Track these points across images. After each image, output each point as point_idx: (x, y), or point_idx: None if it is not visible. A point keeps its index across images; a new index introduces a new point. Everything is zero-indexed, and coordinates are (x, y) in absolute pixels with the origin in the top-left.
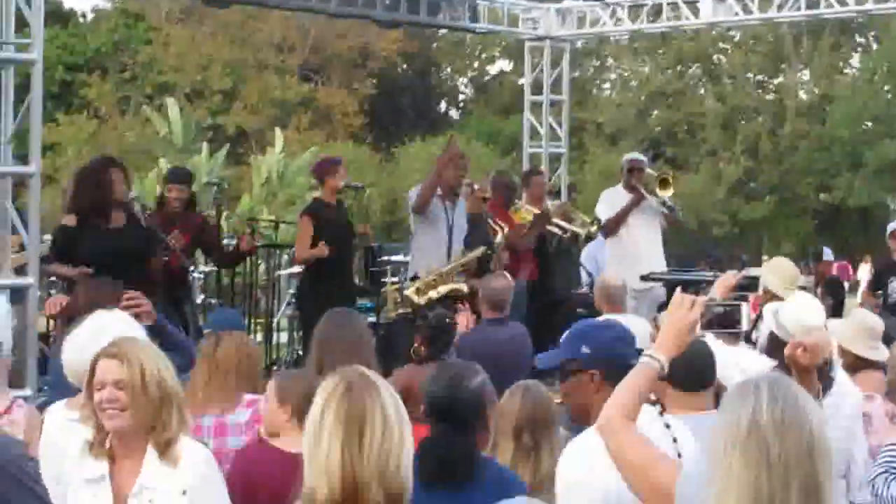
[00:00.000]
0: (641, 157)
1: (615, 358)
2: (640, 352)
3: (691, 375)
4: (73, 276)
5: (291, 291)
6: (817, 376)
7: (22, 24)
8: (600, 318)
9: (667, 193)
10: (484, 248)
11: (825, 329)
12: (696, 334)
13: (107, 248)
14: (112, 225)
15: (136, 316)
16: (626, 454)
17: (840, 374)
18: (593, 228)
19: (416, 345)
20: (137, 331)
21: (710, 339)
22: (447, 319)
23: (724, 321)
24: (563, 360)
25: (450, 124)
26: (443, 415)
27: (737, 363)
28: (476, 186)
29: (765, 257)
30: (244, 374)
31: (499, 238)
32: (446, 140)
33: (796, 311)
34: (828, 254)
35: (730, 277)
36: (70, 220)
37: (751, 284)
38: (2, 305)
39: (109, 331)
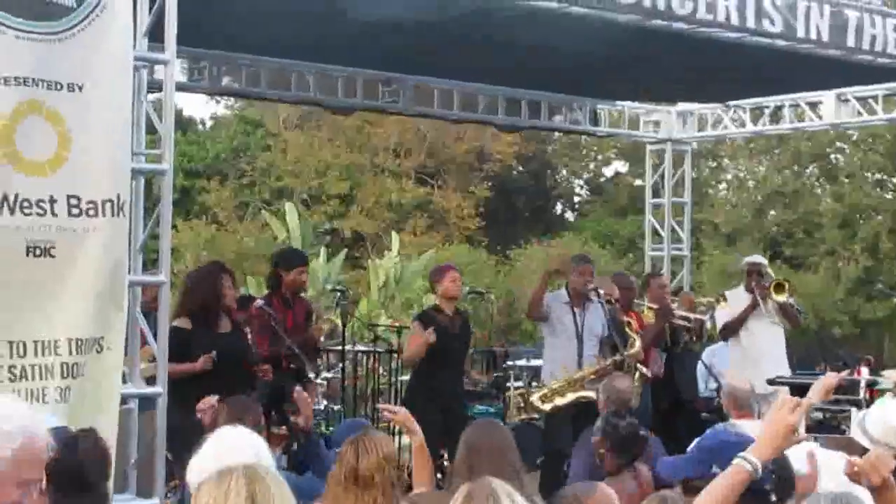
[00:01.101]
0: (760, 259)
1: None
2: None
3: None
4: (197, 368)
5: None
6: None
7: (149, 132)
8: (730, 429)
9: (781, 298)
10: (617, 359)
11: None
12: (797, 439)
13: (219, 351)
14: (222, 330)
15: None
16: None
17: None
18: (719, 305)
19: (601, 451)
20: (262, 452)
21: (815, 445)
22: (639, 430)
23: (827, 426)
24: (690, 477)
25: (566, 226)
26: None
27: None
28: (601, 290)
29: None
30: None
31: (636, 349)
32: (563, 241)
33: (883, 416)
34: None
35: (830, 379)
36: (184, 323)
37: (851, 386)
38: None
39: (235, 450)
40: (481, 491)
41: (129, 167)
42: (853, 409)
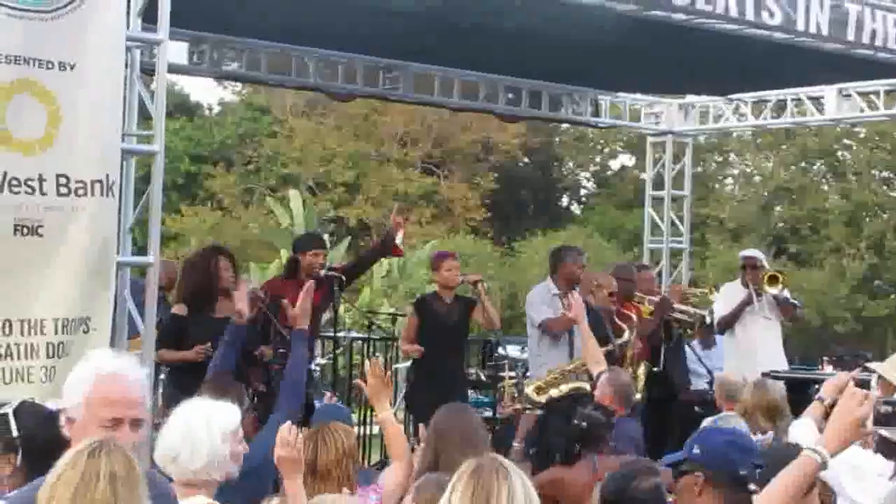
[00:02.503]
0: (755, 253)
1: (723, 463)
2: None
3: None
4: (190, 358)
5: None
6: None
7: (145, 116)
8: (723, 418)
9: (774, 290)
10: (610, 348)
11: None
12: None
13: (214, 337)
14: (220, 314)
15: None
16: None
17: None
18: (711, 296)
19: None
20: (234, 418)
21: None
22: (603, 418)
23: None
24: (679, 460)
25: (571, 219)
26: None
27: (847, 460)
28: (598, 282)
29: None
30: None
31: (625, 336)
32: (568, 234)
33: None
34: None
35: (843, 377)
36: (180, 309)
37: (863, 384)
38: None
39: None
40: (491, 464)
41: (119, 147)
42: None
